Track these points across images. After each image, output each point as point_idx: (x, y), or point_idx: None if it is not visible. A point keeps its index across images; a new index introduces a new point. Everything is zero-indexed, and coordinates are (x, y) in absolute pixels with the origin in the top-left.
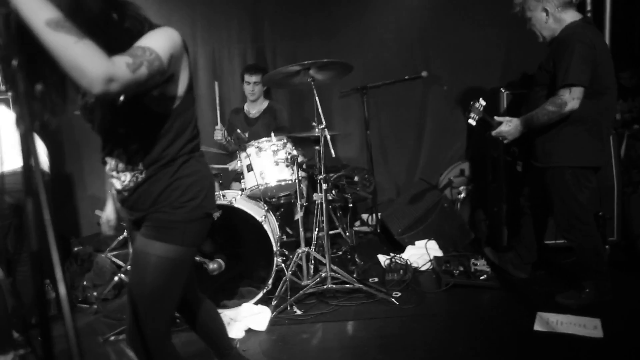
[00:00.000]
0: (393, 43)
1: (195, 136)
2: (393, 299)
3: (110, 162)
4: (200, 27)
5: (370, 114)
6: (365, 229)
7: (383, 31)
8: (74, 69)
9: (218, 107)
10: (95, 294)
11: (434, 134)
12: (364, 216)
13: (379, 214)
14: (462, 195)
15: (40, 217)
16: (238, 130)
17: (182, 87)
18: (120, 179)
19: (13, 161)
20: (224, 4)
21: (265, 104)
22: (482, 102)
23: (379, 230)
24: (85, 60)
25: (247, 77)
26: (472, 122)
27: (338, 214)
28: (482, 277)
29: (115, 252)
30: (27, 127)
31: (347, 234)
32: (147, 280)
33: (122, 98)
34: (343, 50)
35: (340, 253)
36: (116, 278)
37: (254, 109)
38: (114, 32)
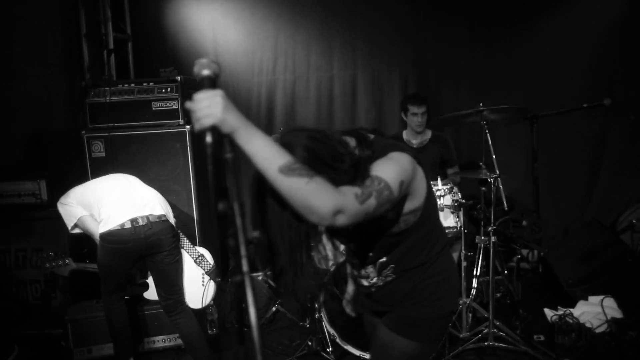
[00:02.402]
0: (570, 67)
1: (439, 236)
2: None
3: (360, 272)
4: (361, 51)
5: (539, 144)
6: (524, 265)
7: (559, 54)
8: (305, 207)
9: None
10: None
11: (613, 168)
12: (524, 251)
13: (544, 251)
14: None
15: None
16: None
17: (416, 201)
18: (369, 281)
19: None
20: (386, 27)
21: (429, 133)
22: None
23: (540, 270)
24: (315, 197)
25: (413, 109)
26: None
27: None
28: None
29: (271, 274)
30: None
31: (508, 278)
32: None
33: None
34: (511, 74)
35: (498, 295)
36: (274, 308)
37: (417, 138)
38: (345, 167)
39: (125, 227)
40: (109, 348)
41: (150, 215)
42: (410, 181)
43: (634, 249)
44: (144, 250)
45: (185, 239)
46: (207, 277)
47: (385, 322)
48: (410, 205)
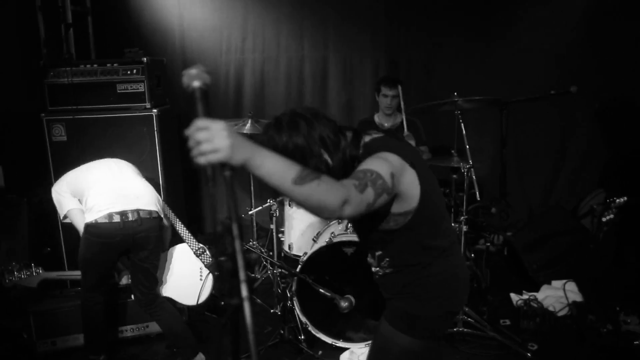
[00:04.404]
0: (539, 54)
1: (440, 239)
2: (529, 355)
3: (368, 258)
4: (332, 33)
5: (508, 130)
6: (490, 248)
7: (528, 41)
8: (318, 208)
9: (404, 114)
10: (222, 303)
11: (577, 155)
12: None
13: (508, 233)
14: (606, 227)
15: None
16: None
17: (407, 204)
18: (373, 268)
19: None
20: (359, 10)
21: (400, 116)
22: None
23: (505, 253)
24: (326, 197)
25: (385, 90)
26: None
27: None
28: (636, 342)
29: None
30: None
31: (476, 263)
32: None
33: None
34: (484, 62)
35: None
36: None
37: (388, 121)
38: (337, 164)
39: (113, 220)
40: (75, 339)
41: (141, 210)
42: (401, 175)
43: (595, 235)
44: (130, 246)
45: (185, 229)
46: (205, 271)
47: (386, 315)
48: (398, 207)
